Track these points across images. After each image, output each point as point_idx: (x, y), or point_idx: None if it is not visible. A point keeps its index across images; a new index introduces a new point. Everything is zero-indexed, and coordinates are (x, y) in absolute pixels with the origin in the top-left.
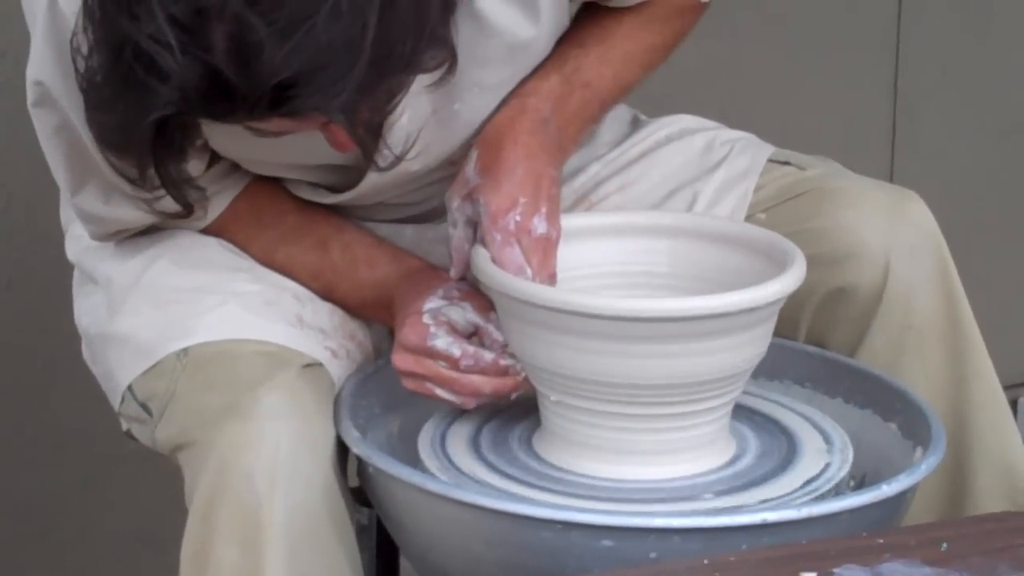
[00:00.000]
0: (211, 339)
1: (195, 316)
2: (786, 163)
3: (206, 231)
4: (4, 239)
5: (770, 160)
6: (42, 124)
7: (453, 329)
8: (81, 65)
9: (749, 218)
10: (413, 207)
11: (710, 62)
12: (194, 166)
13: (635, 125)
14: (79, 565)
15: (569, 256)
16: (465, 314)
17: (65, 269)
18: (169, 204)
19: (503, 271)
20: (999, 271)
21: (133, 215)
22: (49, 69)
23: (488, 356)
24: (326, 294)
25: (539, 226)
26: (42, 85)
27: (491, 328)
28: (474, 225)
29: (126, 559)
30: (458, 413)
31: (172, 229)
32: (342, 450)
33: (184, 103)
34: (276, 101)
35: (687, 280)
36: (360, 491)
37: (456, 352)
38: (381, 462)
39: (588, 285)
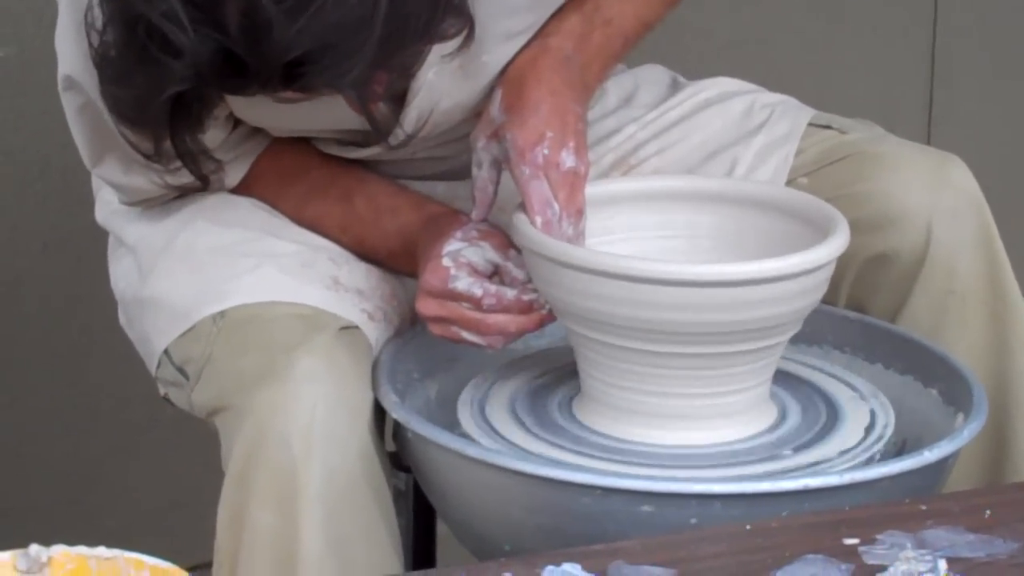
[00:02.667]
0: (247, 301)
1: (231, 279)
2: (827, 127)
3: (235, 192)
4: (40, 204)
5: (811, 124)
6: (68, 105)
7: (474, 270)
8: (95, 40)
9: (790, 183)
10: (444, 162)
11: (747, 28)
12: (214, 135)
13: (674, 88)
14: (113, 530)
15: (610, 221)
16: (484, 253)
17: (99, 235)
18: (184, 176)
19: (547, 237)
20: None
21: (152, 186)
22: (71, 51)
23: (510, 293)
24: (356, 247)
25: (567, 159)
26: (68, 73)
27: (511, 265)
28: (499, 166)
29: (160, 524)
30: (496, 377)
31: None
32: (379, 414)
33: (198, 79)
34: (288, 78)
35: (729, 245)
36: (396, 455)
37: (478, 292)
38: (420, 427)
39: (629, 249)
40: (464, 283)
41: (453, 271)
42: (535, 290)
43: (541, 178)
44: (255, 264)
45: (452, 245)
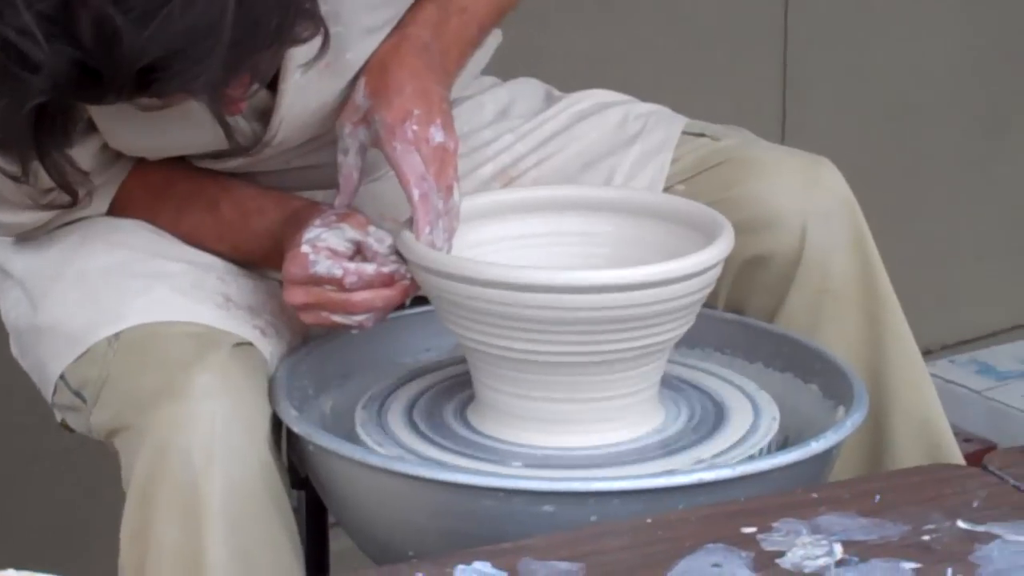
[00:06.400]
0: (140, 322)
1: (124, 301)
2: (700, 135)
3: (109, 214)
4: None
5: (684, 132)
6: None
7: (333, 252)
8: None
9: (667, 190)
10: (321, 170)
11: (607, 44)
12: (84, 157)
13: (549, 100)
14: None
15: (500, 230)
16: (344, 234)
17: None
18: (56, 196)
19: (430, 250)
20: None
21: (27, 217)
22: None
23: (370, 268)
24: (233, 253)
25: (436, 135)
26: None
27: (371, 240)
28: (364, 152)
29: (50, 552)
30: (390, 390)
31: (84, 218)
32: (275, 428)
33: (56, 91)
34: (141, 84)
35: (620, 251)
36: (289, 471)
37: (338, 272)
38: (322, 439)
39: (520, 258)
40: (324, 266)
41: (312, 256)
42: (396, 261)
43: (413, 152)
44: (146, 286)
45: (311, 232)
